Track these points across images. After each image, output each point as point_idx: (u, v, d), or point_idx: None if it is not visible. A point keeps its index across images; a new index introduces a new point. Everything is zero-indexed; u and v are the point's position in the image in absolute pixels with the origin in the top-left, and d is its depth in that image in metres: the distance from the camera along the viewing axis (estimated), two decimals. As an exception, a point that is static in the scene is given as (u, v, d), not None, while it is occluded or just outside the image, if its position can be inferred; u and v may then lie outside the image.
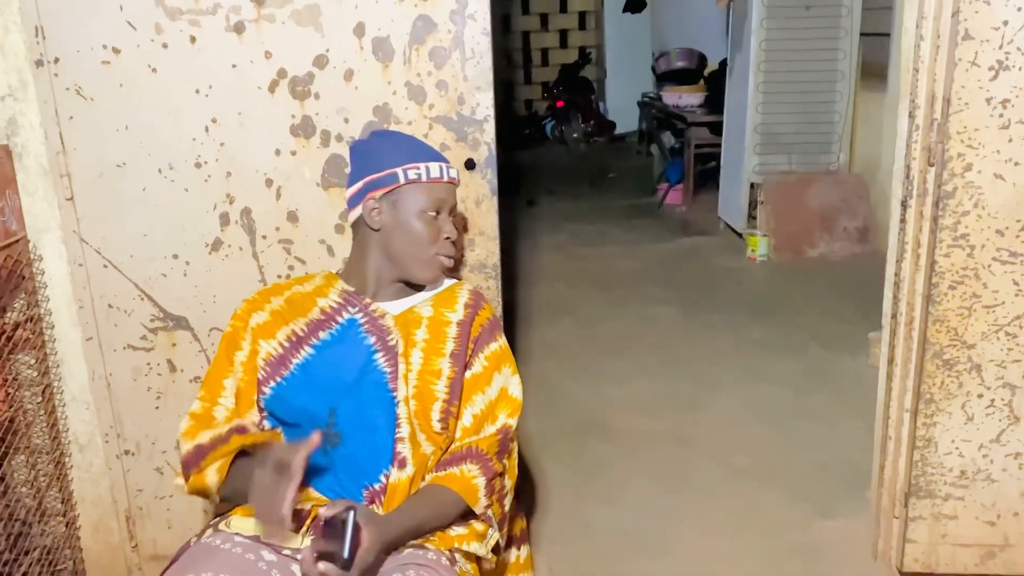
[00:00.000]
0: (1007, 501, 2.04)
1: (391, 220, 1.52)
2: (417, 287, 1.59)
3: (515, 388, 1.58)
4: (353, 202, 1.55)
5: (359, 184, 1.54)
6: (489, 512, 1.48)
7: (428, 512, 1.42)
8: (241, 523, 1.39)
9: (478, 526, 1.48)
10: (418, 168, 1.52)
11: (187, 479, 1.48)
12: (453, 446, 1.51)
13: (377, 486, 1.45)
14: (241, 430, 1.45)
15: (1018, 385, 1.96)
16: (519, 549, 1.84)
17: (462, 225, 1.62)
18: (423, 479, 1.48)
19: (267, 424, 1.54)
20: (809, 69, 4.88)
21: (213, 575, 1.26)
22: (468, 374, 1.54)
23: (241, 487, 1.36)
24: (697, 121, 5.87)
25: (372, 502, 1.45)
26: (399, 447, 1.45)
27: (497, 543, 1.50)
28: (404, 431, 1.46)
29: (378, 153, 1.55)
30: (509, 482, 1.55)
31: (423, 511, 1.41)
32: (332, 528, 1.21)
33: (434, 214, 1.53)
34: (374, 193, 1.52)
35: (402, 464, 1.45)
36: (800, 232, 4.87)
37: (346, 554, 1.18)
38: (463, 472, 1.45)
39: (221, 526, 1.41)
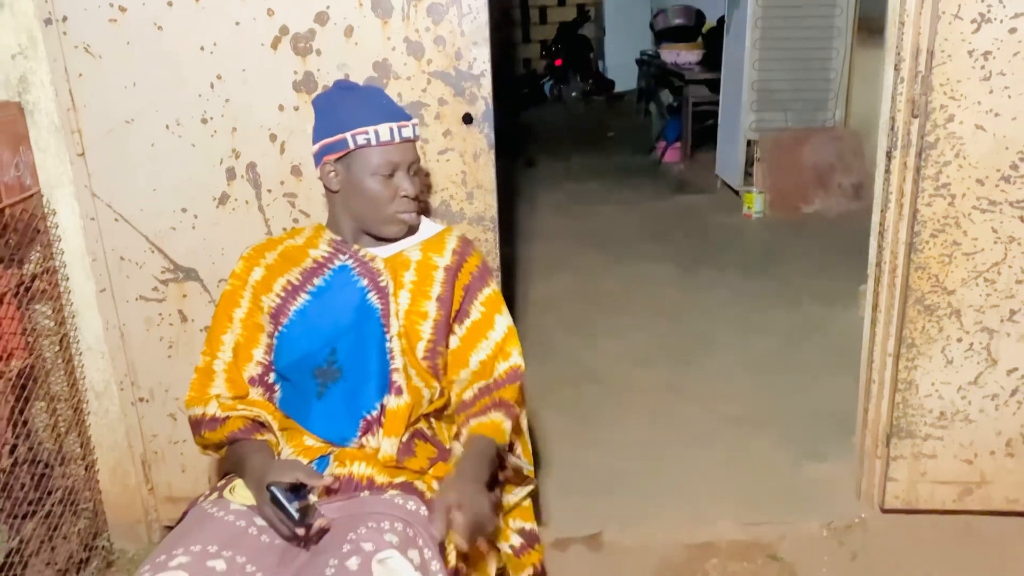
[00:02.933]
0: (984, 440, 2.13)
1: (347, 182, 1.56)
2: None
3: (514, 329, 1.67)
4: (316, 162, 1.60)
5: (316, 147, 1.58)
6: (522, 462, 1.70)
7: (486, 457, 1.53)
8: (244, 492, 1.48)
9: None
10: (367, 133, 1.52)
11: (194, 440, 1.65)
12: (479, 400, 1.58)
13: (374, 413, 1.54)
14: (212, 423, 1.55)
15: (996, 329, 2.04)
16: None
17: (422, 179, 1.60)
18: (421, 409, 1.57)
19: (271, 377, 1.62)
20: (806, 25, 4.90)
21: (202, 546, 1.34)
22: (468, 322, 1.61)
23: (239, 474, 1.51)
24: (695, 79, 5.89)
25: (368, 430, 1.54)
26: (395, 376, 1.54)
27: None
28: (399, 362, 1.54)
29: (332, 114, 1.56)
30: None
31: (483, 459, 1.52)
32: (275, 503, 1.36)
33: (388, 174, 1.54)
34: (329, 157, 1.55)
35: (398, 392, 1.54)
36: (796, 189, 4.93)
37: (296, 516, 1.34)
38: (493, 420, 1.56)
39: (226, 492, 1.49)
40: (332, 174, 1.57)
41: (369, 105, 1.56)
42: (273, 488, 1.35)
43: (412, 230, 1.64)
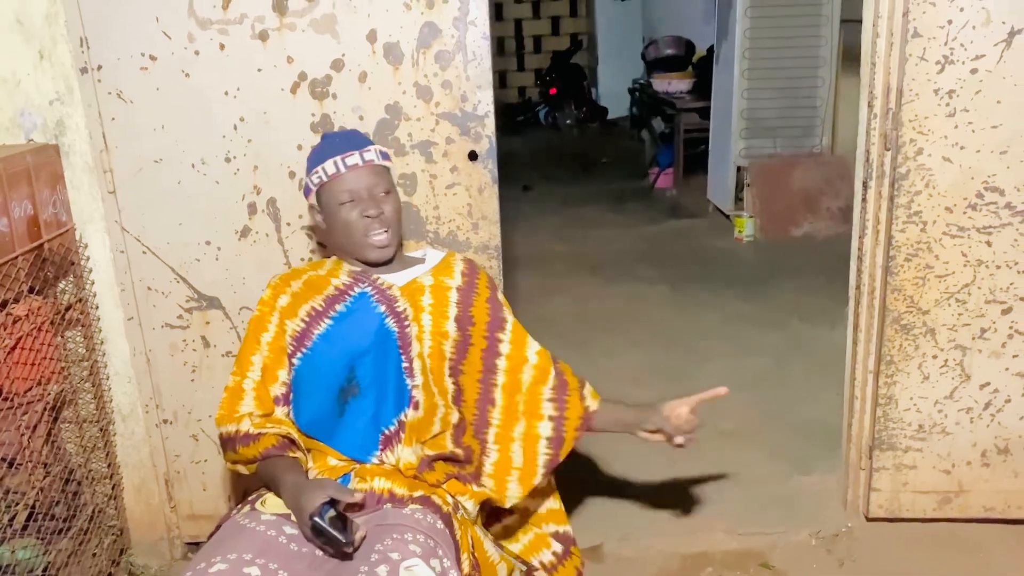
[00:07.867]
0: (960, 451, 2.26)
1: (326, 219, 1.76)
2: (415, 261, 1.82)
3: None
4: None
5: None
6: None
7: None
8: (274, 502, 1.62)
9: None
10: (317, 172, 1.71)
11: (224, 456, 1.75)
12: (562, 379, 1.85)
13: (393, 428, 1.68)
14: (246, 439, 1.66)
15: (968, 347, 2.18)
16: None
17: (394, 202, 1.75)
18: (432, 420, 1.70)
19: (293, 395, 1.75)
20: (792, 56, 5.07)
21: (237, 555, 1.47)
22: (508, 326, 1.79)
23: (273, 489, 1.63)
24: (686, 107, 6.05)
25: (387, 445, 1.67)
26: (415, 393, 1.68)
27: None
28: (419, 380, 1.69)
29: (307, 165, 1.78)
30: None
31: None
32: (321, 532, 1.45)
33: (349, 200, 1.69)
34: (309, 201, 1.78)
35: (416, 406, 1.69)
36: (785, 213, 5.08)
37: (344, 539, 1.44)
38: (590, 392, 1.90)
39: (258, 504, 1.63)
40: (318, 215, 1.77)
41: (324, 148, 1.74)
42: (316, 520, 1.45)
43: (392, 251, 1.76)
